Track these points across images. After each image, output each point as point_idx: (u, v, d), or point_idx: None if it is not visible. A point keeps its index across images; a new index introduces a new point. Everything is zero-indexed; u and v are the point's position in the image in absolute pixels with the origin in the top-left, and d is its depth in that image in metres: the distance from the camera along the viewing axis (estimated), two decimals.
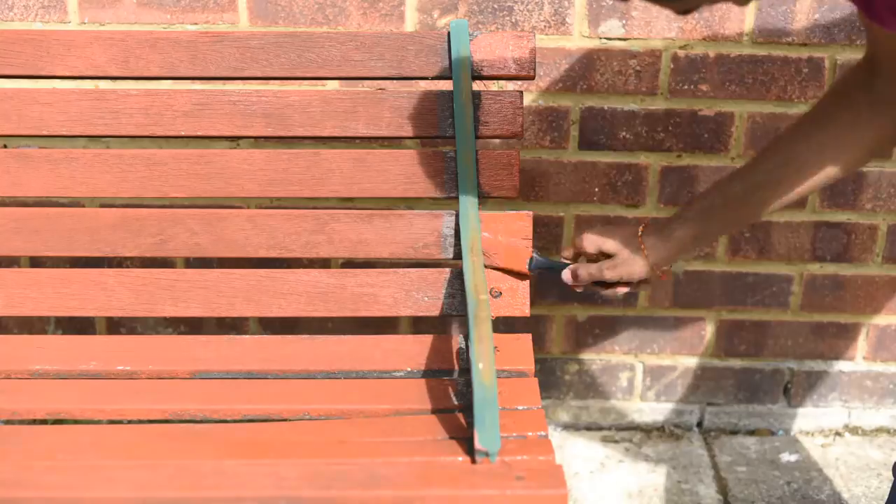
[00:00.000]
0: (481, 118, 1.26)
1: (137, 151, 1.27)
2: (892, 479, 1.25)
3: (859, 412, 1.78)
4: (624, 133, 1.60)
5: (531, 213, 1.25)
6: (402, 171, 1.26)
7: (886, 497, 1.31)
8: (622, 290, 1.23)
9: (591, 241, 1.23)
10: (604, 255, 1.23)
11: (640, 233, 1.20)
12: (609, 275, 1.21)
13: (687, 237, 1.18)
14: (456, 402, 1.09)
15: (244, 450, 0.99)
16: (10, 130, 1.27)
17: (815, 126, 1.10)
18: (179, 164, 1.26)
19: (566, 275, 1.24)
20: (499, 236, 1.22)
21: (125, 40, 1.27)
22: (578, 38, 1.55)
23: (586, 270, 1.22)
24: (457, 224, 1.24)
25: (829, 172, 1.09)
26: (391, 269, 1.24)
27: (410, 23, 1.54)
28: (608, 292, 1.24)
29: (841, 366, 1.75)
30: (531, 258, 1.23)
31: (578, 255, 1.26)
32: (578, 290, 1.25)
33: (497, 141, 1.29)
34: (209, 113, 1.27)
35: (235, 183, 1.26)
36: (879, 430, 1.79)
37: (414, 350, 1.20)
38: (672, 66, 1.57)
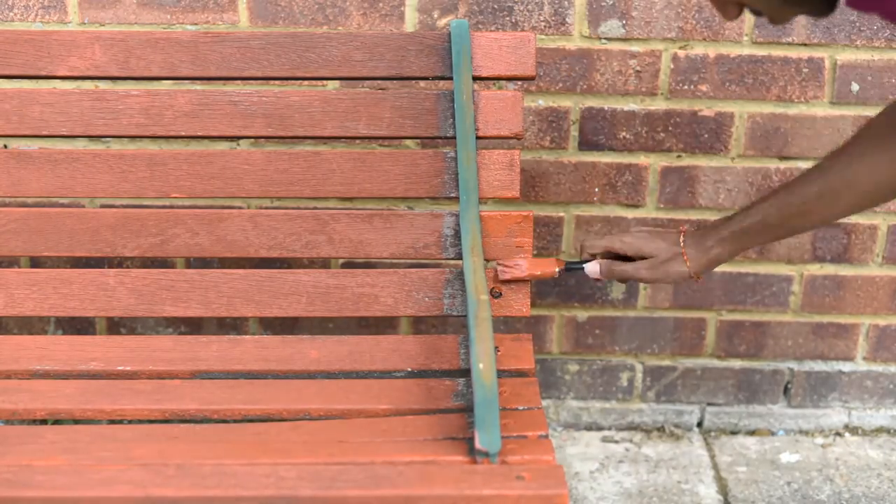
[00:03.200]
0: (481, 118, 1.26)
1: (137, 151, 1.27)
2: None
3: (859, 412, 1.78)
4: (624, 133, 1.60)
5: (531, 213, 1.25)
6: (402, 171, 1.26)
7: (887, 497, 1.31)
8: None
9: (630, 245, 1.23)
10: (637, 257, 1.23)
11: (681, 242, 1.21)
12: (646, 275, 1.22)
13: (723, 254, 1.21)
14: (456, 402, 1.09)
15: (244, 450, 0.99)
16: (11, 130, 1.27)
17: (869, 147, 1.08)
18: (179, 164, 1.26)
19: (594, 267, 1.25)
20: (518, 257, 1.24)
21: (125, 40, 1.27)
22: (578, 38, 1.55)
23: (621, 270, 1.23)
24: (457, 224, 1.24)
25: (876, 196, 1.10)
26: (391, 270, 1.24)
27: (410, 23, 1.54)
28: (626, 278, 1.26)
29: (841, 366, 1.75)
30: (561, 269, 1.24)
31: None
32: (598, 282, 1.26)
33: (497, 141, 1.29)
34: (209, 113, 1.27)
35: (235, 183, 1.26)
36: (879, 431, 1.79)
37: (414, 350, 1.20)
38: (672, 66, 1.57)
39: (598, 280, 1.27)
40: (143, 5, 1.53)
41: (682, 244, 1.21)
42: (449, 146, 1.26)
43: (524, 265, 1.24)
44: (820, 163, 1.12)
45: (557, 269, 1.24)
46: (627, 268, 1.23)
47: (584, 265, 1.25)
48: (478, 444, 0.94)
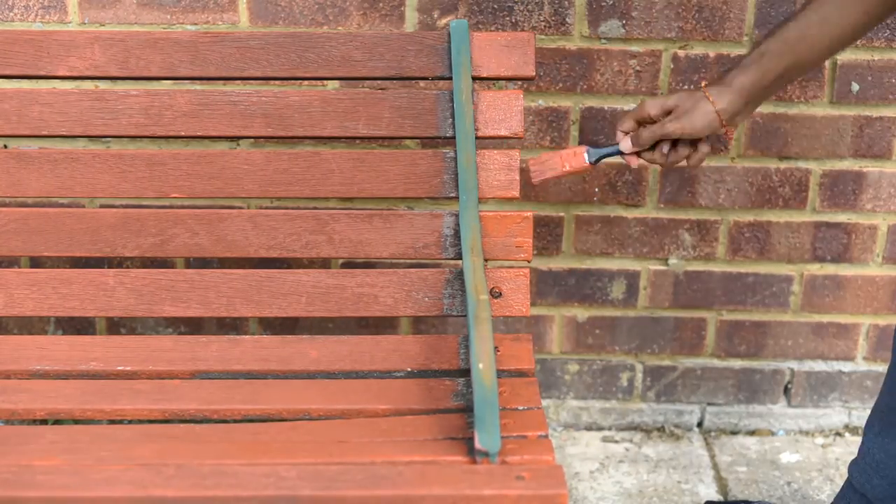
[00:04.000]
0: (481, 118, 1.26)
1: (137, 151, 1.27)
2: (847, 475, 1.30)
3: (859, 412, 1.78)
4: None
5: (531, 213, 1.25)
6: (402, 171, 1.26)
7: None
8: (684, 151, 1.21)
9: (653, 103, 1.21)
10: (664, 114, 1.21)
11: (703, 86, 1.19)
12: (671, 127, 1.18)
13: (747, 82, 1.17)
14: (456, 402, 1.09)
15: (244, 450, 0.99)
16: (10, 130, 1.27)
17: None
18: (179, 164, 1.26)
19: (626, 142, 1.23)
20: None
21: (125, 40, 1.27)
22: (578, 38, 1.55)
23: (647, 130, 1.21)
24: (457, 224, 1.24)
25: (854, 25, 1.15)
26: (391, 270, 1.24)
27: (410, 23, 1.54)
28: (673, 157, 1.22)
29: (841, 366, 1.75)
30: (587, 151, 1.24)
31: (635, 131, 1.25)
32: (636, 164, 1.24)
33: (497, 141, 1.29)
34: (209, 113, 1.27)
35: (235, 183, 1.26)
36: None
37: (414, 350, 1.20)
38: (672, 66, 1.57)
39: (634, 156, 1.23)
40: (143, 5, 1.53)
41: (703, 88, 1.19)
42: (448, 146, 1.26)
43: (555, 161, 1.24)
44: None
45: (587, 159, 1.24)
46: (654, 127, 1.20)
47: (616, 146, 1.24)
48: (478, 444, 0.94)
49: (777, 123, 1.60)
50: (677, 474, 1.66)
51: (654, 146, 1.22)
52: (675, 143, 1.21)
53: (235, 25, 1.54)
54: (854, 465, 1.32)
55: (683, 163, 1.23)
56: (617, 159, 1.28)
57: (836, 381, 1.76)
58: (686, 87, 1.57)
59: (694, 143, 1.21)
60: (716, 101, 1.17)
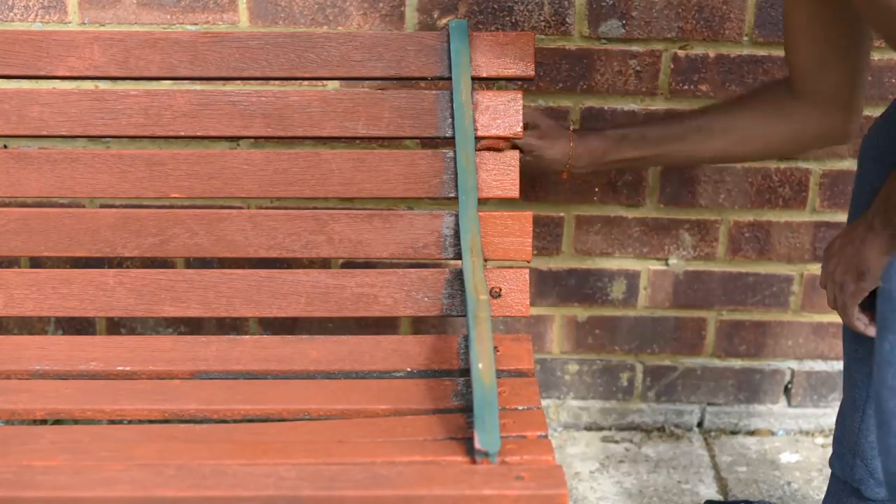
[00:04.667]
0: (481, 118, 1.26)
1: (137, 152, 1.27)
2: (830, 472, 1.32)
3: None
4: None
5: (531, 213, 1.25)
6: (402, 171, 1.26)
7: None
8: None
9: (531, 113, 1.35)
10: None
11: (571, 129, 1.38)
12: (532, 142, 1.32)
13: (599, 148, 1.34)
14: (456, 402, 1.09)
15: (244, 450, 0.99)
16: (10, 131, 1.27)
17: (746, 104, 1.30)
18: (179, 164, 1.26)
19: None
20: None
21: (125, 40, 1.27)
22: (578, 38, 1.55)
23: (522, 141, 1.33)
24: (456, 224, 1.24)
25: (736, 152, 1.31)
26: (391, 270, 1.24)
27: (410, 23, 1.54)
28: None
29: (841, 366, 1.75)
30: None
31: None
32: None
33: (497, 141, 1.29)
34: (209, 113, 1.27)
35: (235, 183, 1.26)
36: None
37: (414, 350, 1.20)
38: (672, 66, 1.57)
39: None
40: (142, 5, 1.53)
41: (570, 131, 1.37)
42: (448, 146, 1.27)
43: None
44: (714, 104, 1.32)
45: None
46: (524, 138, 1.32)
47: None
48: (477, 445, 0.94)
49: None
50: (677, 474, 1.66)
51: None
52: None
53: (235, 25, 1.54)
54: (832, 457, 1.33)
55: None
56: None
57: (836, 381, 1.76)
58: (687, 86, 1.57)
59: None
60: (574, 148, 1.35)
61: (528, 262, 1.25)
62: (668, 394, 1.77)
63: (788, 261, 1.68)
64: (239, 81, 1.43)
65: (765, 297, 1.70)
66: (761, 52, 1.56)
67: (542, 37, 1.55)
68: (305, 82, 1.52)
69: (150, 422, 1.10)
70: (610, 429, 1.78)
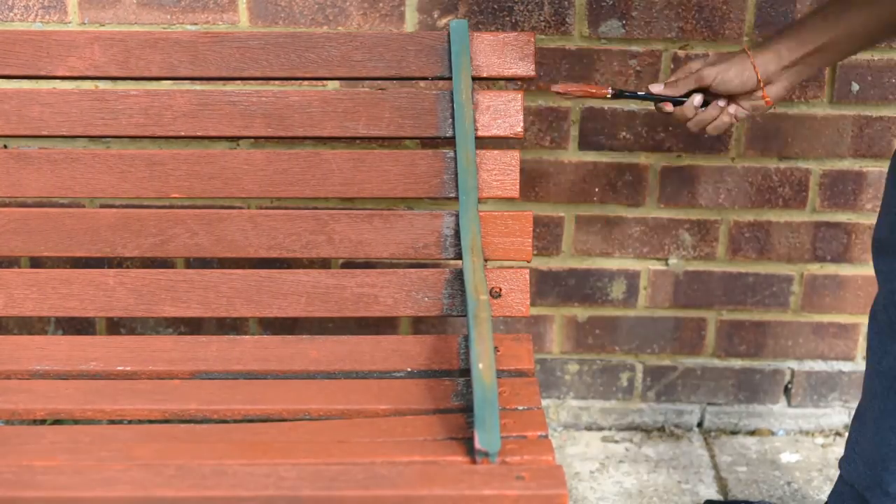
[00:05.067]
0: (481, 118, 1.26)
1: (137, 152, 1.27)
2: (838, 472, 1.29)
3: None
4: (624, 133, 1.60)
5: (531, 213, 1.25)
6: (402, 171, 1.26)
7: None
8: (713, 112, 1.21)
9: (696, 60, 1.22)
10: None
11: (745, 47, 1.20)
12: (708, 72, 1.19)
13: (783, 48, 1.17)
14: (456, 402, 1.09)
15: (244, 450, 0.99)
16: (10, 130, 1.27)
17: None
18: (179, 164, 1.26)
19: (657, 85, 1.23)
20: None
21: (125, 40, 1.27)
22: (578, 38, 1.55)
23: (683, 75, 1.21)
24: (456, 224, 1.24)
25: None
26: (391, 270, 1.24)
27: (410, 23, 1.54)
28: (701, 115, 1.21)
29: (841, 366, 1.75)
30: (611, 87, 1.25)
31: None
32: (669, 109, 1.23)
33: (497, 141, 1.29)
34: (209, 113, 1.27)
35: (235, 183, 1.26)
36: None
37: (414, 350, 1.20)
38: (672, 66, 1.57)
39: (669, 104, 1.23)
40: (143, 5, 1.53)
41: (745, 47, 1.20)
42: (448, 146, 1.26)
43: (581, 84, 1.28)
44: None
45: (609, 92, 1.24)
46: (693, 65, 1.21)
47: (645, 92, 1.23)
48: (477, 444, 0.94)
49: (777, 123, 1.60)
50: (677, 474, 1.66)
51: (687, 96, 1.22)
52: (706, 103, 1.22)
53: (235, 25, 1.54)
54: (842, 460, 1.33)
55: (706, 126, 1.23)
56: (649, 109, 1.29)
57: (836, 381, 1.76)
58: None
59: (726, 105, 1.21)
60: (754, 59, 1.17)
61: (528, 262, 1.25)
62: (668, 394, 1.77)
63: (788, 261, 1.68)
64: (239, 81, 1.43)
65: (765, 297, 1.70)
66: None
67: (542, 37, 1.55)
68: (305, 82, 1.52)
69: (150, 422, 1.10)
70: (610, 429, 1.78)
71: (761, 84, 1.18)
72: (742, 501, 1.54)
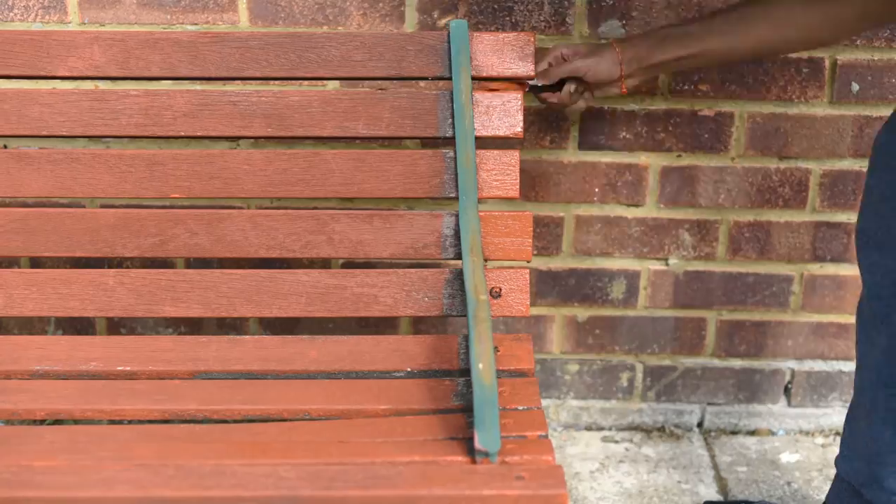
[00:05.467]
0: (481, 118, 1.26)
1: (137, 152, 1.27)
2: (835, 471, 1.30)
3: None
4: (624, 133, 1.60)
5: (531, 213, 1.25)
6: (402, 171, 1.26)
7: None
8: (580, 93, 1.37)
9: (567, 46, 1.37)
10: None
11: (612, 41, 1.35)
12: (580, 64, 1.33)
13: (644, 50, 1.31)
14: (456, 402, 1.09)
15: (244, 450, 0.99)
16: (10, 131, 1.27)
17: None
18: (179, 164, 1.26)
19: (535, 81, 1.34)
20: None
21: (125, 40, 1.27)
22: (578, 38, 1.55)
23: (558, 67, 1.35)
24: (457, 224, 1.24)
25: (777, 41, 1.26)
26: (391, 270, 1.24)
27: (410, 23, 1.54)
28: (575, 97, 1.37)
29: (841, 366, 1.75)
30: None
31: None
32: (554, 100, 1.37)
33: (497, 141, 1.29)
34: (209, 113, 1.27)
35: (235, 183, 1.26)
36: None
37: (414, 350, 1.20)
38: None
39: (550, 93, 1.37)
40: (143, 5, 1.53)
41: (612, 42, 1.34)
42: (448, 146, 1.27)
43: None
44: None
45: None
46: (565, 64, 1.34)
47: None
48: (477, 444, 0.94)
49: (777, 123, 1.60)
50: (677, 474, 1.66)
51: (560, 85, 1.36)
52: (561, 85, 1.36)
53: (235, 25, 1.54)
54: (838, 457, 1.33)
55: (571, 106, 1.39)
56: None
57: (836, 381, 1.76)
58: (687, 86, 1.57)
59: (590, 91, 1.38)
60: (621, 55, 1.32)
61: (528, 262, 1.25)
62: (668, 394, 1.77)
63: (788, 261, 1.68)
64: (239, 81, 1.43)
65: (765, 297, 1.70)
66: None
67: (542, 37, 1.55)
68: (305, 82, 1.52)
69: (150, 422, 1.10)
70: (610, 429, 1.78)
71: (623, 78, 1.33)
72: (742, 501, 1.54)
